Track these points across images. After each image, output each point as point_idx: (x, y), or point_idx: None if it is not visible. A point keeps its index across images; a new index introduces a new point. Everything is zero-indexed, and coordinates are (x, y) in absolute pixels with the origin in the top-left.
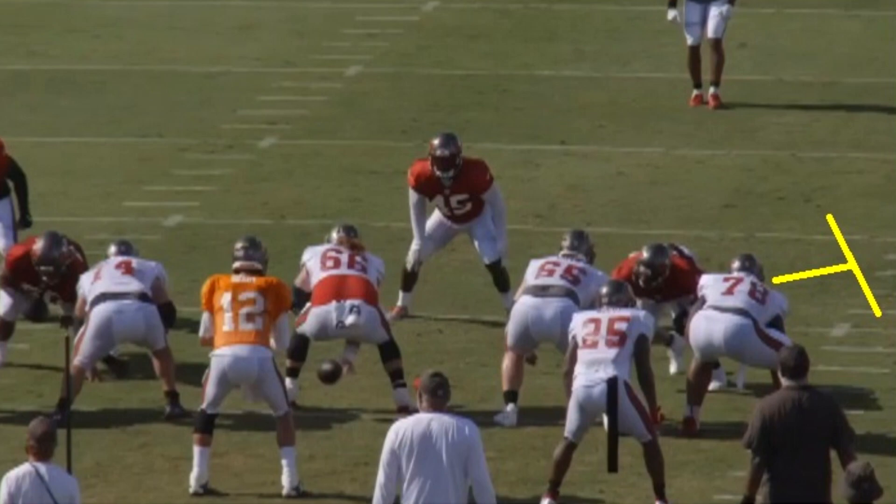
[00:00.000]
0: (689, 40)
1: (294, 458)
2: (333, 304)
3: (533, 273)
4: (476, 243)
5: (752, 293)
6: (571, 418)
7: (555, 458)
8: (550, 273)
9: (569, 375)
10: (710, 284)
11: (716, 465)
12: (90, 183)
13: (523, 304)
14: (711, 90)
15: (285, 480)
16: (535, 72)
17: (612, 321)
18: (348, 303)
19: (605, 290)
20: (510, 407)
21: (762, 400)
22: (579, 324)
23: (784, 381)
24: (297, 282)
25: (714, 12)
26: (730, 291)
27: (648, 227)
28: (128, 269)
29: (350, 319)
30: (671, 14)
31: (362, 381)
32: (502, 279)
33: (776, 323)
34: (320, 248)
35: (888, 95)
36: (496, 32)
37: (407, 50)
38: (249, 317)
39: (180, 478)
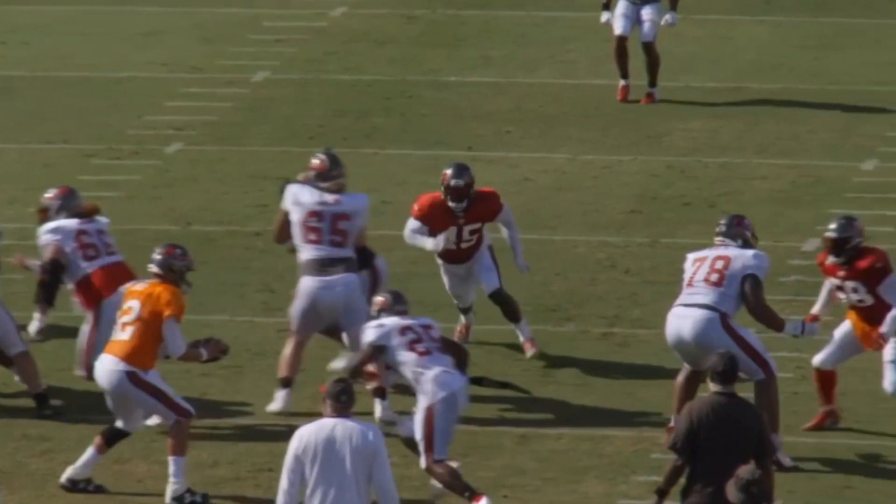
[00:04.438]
0: (618, 31)
1: (181, 467)
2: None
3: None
4: (479, 275)
5: (707, 279)
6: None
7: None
8: None
9: None
10: (686, 268)
11: (619, 471)
12: None
13: (311, 284)
14: (648, 89)
15: (167, 489)
16: (442, 78)
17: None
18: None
19: None
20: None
21: (690, 403)
22: None
23: (712, 387)
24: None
25: (647, 16)
26: (690, 283)
27: (554, 233)
28: None
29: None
30: (604, 17)
31: (268, 386)
32: (509, 309)
33: (750, 282)
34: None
35: (793, 101)
36: (403, 38)
37: (314, 56)
38: (124, 326)
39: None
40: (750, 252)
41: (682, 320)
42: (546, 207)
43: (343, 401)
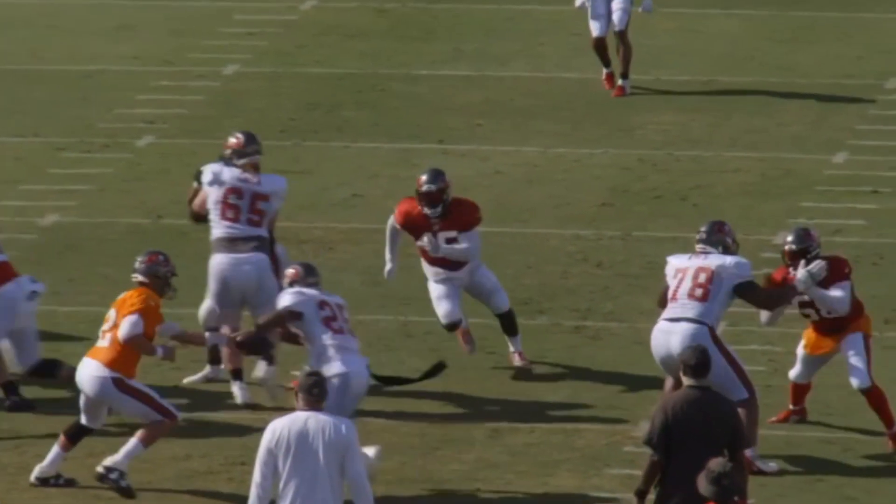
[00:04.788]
0: (595, 32)
1: (134, 453)
2: None
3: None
4: (484, 298)
5: (691, 294)
6: None
7: None
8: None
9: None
10: (667, 274)
11: (591, 464)
12: None
13: (220, 262)
14: (620, 82)
15: (107, 459)
16: (413, 71)
17: None
18: None
19: None
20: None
21: (664, 398)
22: None
23: (685, 381)
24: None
25: (617, 4)
26: (674, 297)
27: (526, 226)
28: None
29: None
30: (578, 1)
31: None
32: (510, 324)
33: (746, 290)
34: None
35: (764, 94)
36: (374, 32)
37: (285, 49)
38: (103, 334)
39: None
40: (730, 261)
41: (669, 336)
42: (517, 200)
43: (315, 394)
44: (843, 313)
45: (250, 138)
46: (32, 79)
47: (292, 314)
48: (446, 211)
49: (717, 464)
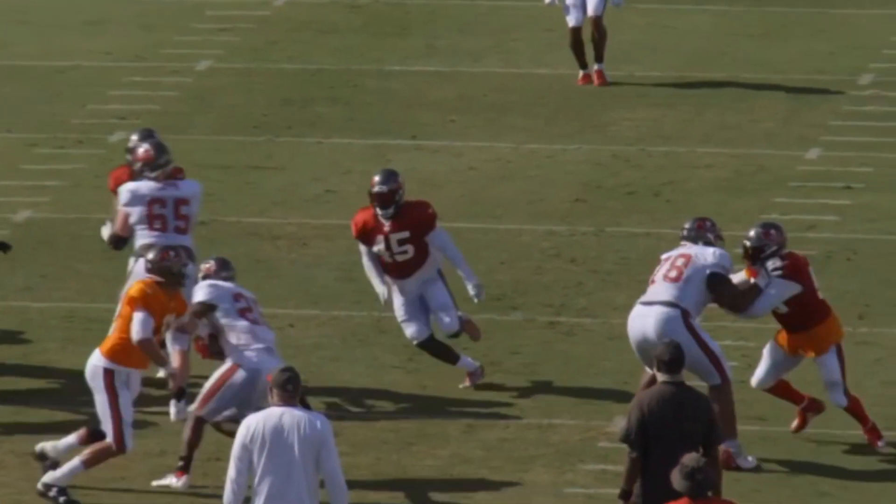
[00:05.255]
0: (571, 22)
1: (72, 473)
2: None
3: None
4: (433, 314)
5: (666, 275)
6: None
7: None
8: None
9: None
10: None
11: (566, 459)
12: None
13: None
14: (596, 66)
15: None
16: (386, 67)
17: None
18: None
19: None
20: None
21: (639, 394)
22: None
23: (660, 376)
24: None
25: None
26: (652, 281)
27: (499, 222)
28: None
29: None
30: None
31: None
32: (444, 353)
33: (715, 280)
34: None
35: (737, 90)
36: (347, 27)
37: (258, 45)
38: (113, 323)
39: (30, 473)
40: (710, 250)
41: (644, 319)
42: (490, 196)
43: (290, 390)
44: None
45: (160, 149)
46: (3, 74)
47: (207, 307)
48: (398, 212)
49: (690, 459)
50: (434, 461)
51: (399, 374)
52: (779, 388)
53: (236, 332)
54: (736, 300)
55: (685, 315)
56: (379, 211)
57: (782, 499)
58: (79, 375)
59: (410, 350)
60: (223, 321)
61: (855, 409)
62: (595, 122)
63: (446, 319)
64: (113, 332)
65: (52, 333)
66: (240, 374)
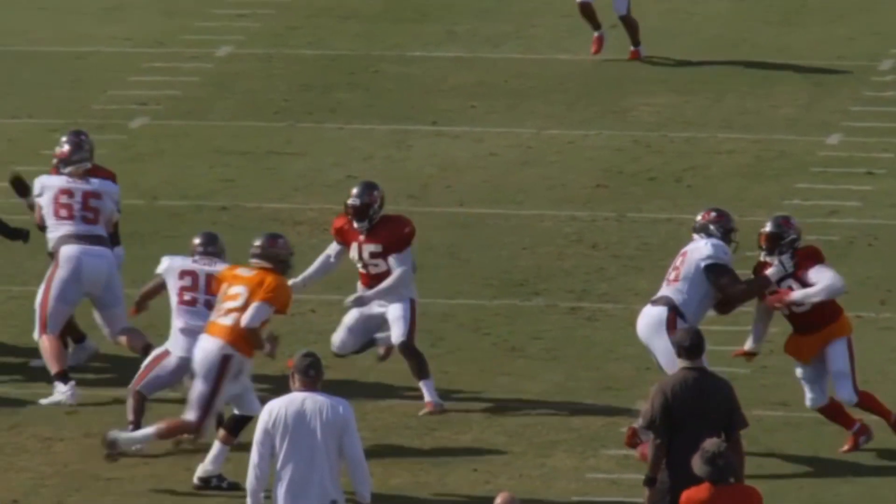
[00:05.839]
0: None
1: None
2: None
3: None
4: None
5: (667, 277)
6: None
7: None
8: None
9: None
10: None
11: (588, 444)
12: None
13: (75, 251)
14: (632, 48)
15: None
16: (407, 52)
17: None
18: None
19: None
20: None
21: (661, 381)
22: None
23: (681, 363)
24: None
25: None
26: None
27: (520, 208)
28: None
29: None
30: None
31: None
32: (415, 364)
33: (713, 272)
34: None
35: (757, 76)
36: (367, 13)
37: (278, 30)
38: (228, 311)
39: (52, 458)
40: (703, 242)
41: (640, 318)
42: (512, 182)
43: (312, 375)
44: (841, 290)
45: (77, 146)
46: (24, 60)
47: (158, 280)
48: (374, 225)
49: (711, 444)
50: (457, 446)
51: None
52: (829, 410)
53: (175, 311)
54: (735, 292)
55: (672, 315)
56: (355, 223)
57: (804, 483)
58: (99, 358)
59: (432, 335)
60: (171, 299)
61: (871, 406)
62: (615, 108)
63: (396, 331)
64: (235, 324)
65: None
66: (171, 360)
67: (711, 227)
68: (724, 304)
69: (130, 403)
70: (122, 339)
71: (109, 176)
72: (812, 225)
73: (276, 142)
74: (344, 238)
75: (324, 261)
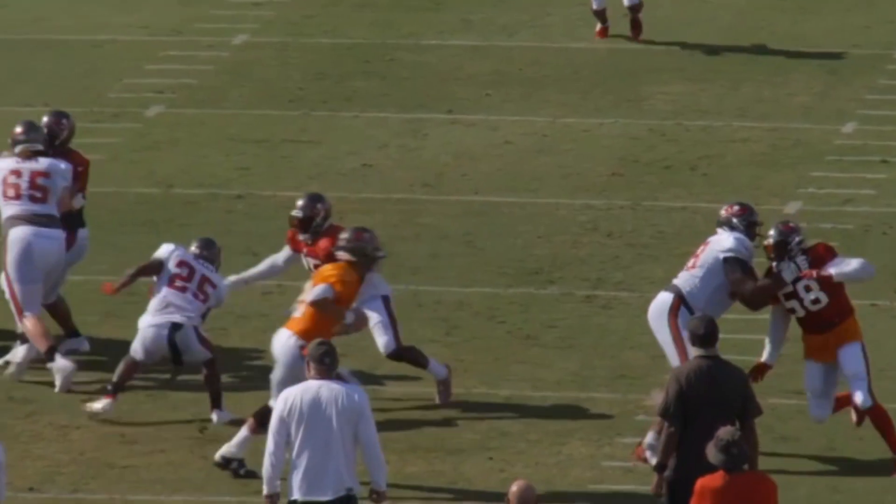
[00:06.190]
0: (595, 4)
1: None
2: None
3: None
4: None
5: (685, 264)
6: None
7: None
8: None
9: None
10: None
11: (604, 432)
12: None
13: (24, 232)
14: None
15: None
16: (422, 41)
17: None
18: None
19: None
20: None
21: (676, 368)
22: None
23: (695, 351)
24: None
25: None
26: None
27: (536, 196)
28: None
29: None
30: None
31: (252, 348)
32: (413, 361)
33: (728, 264)
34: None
35: (772, 64)
36: (382, 1)
37: (293, 19)
38: (299, 305)
39: (68, 446)
40: (727, 234)
41: (651, 304)
42: (527, 170)
43: (327, 363)
44: (873, 272)
45: (30, 128)
46: (40, 48)
47: (155, 262)
48: (317, 238)
49: (726, 432)
50: (472, 434)
51: (437, 348)
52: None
53: (161, 291)
54: (746, 288)
55: (678, 302)
56: (300, 235)
57: (819, 472)
58: (120, 347)
59: (448, 324)
60: (160, 285)
61: (884, 427)
62: (631, 97)
63: (383, 339)
64: (303, 316)
65: (91, 306)
66: (148, 332)
67: (735, 220)
68: (748, 301)
69: (120, 367)
70: (27, 323)
71: (82, 162)
72: (827, 213)
73: (291, 130)
74: (295, 247)
75: (271, 263)
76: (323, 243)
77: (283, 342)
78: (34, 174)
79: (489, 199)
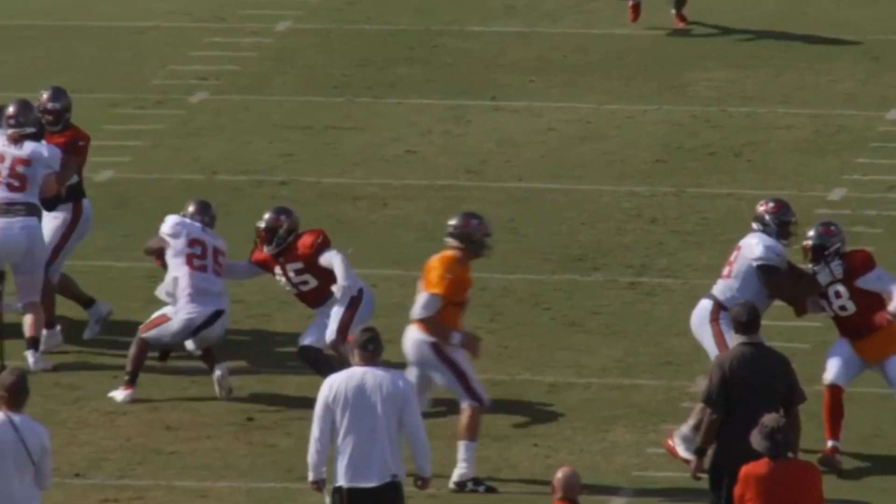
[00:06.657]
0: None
1: (471, 452)
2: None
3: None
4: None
5: (721, 273)
6: None
7: None
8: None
9: None
10: None
11: (649, 419)
12: None
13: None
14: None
15: (454, 473)
16: (466, 27)
17: None
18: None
19: None
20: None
21: (719, 356)
22: None
23: (738, 338)
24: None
25: None
26: None
27: (579, 183)
28: None
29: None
30: None
31: (295, 333)
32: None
33: (761, 272)
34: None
35: (815, 51)
36: None
37: (337, 5)
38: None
39: (114, 432)
40: (756, 240)
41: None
42: (571, 157)
43: (371, 350)
44: None
45: (22, 108)
46: (84, 35)
47: (163, 239)
48: (286, 247)
49: (770, 419)
50: (516, 421)
51: (481, 334)
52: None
53: (180, 278)
54: (783, 292)
55: (716, 306)
56: (265, 247)
57: (864, 460)
58: None
59: (491, 311)
60: (171, 260)
61: None
62: (674, 83)
63: (326, 332)
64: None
65: (134, 293)
66: (174, 323)
67: (767, 217)
68: (789, 303)
69: (133, 351)
70: (28, 317)
71: (84, 137)
72: (871, 200)
73: (335, 117)
74: (268, 267)
75: (246, 267)
76: (304, 240)
77: (412, 338)
78: (15, 161)
79: (533, 186)
